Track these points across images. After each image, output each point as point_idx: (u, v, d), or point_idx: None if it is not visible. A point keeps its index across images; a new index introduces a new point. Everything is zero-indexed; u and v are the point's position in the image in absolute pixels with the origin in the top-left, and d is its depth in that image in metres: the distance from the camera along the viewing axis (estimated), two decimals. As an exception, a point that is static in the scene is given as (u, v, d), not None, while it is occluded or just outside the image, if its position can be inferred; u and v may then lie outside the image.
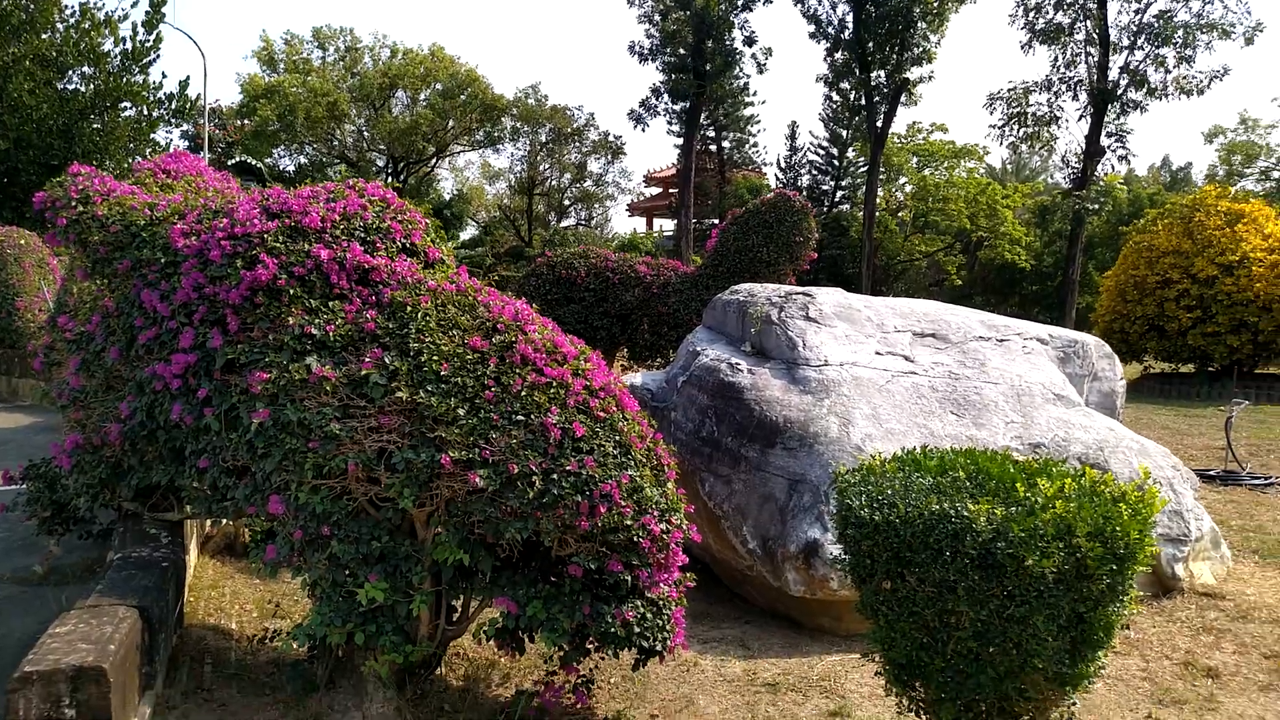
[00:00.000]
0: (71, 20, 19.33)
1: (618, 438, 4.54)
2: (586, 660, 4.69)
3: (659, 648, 4.53)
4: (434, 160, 49.83)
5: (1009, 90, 36.01)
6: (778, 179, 48.84)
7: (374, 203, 5.28)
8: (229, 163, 36.11)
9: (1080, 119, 34.44)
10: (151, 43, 20.21)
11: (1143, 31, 32.61)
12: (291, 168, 45.70)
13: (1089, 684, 3.72)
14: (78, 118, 19.41)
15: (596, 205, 55.08)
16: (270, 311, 4.66)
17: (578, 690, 4.68)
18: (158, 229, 5.27)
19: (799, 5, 37.48)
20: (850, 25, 36.53)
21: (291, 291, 4.70)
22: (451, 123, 46.50)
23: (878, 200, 38.56)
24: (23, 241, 16.32)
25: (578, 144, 50.18)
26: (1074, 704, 3.74)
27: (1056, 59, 34.72)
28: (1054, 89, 35.14)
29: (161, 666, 4.55)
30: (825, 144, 47.77)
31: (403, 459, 4.27)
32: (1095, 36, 33.41)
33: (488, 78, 45.74)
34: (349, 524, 4.46)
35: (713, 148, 48.08)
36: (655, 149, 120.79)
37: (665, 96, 40.36)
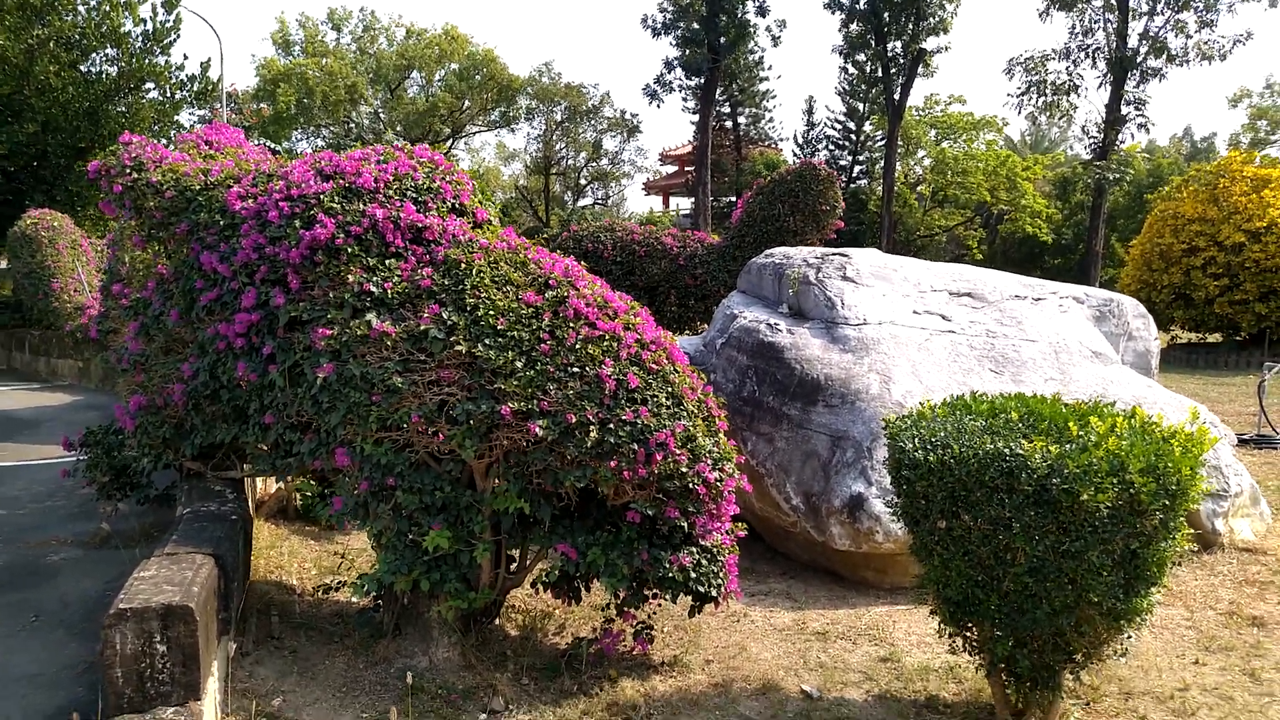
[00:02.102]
0: (92, 2, 19.44)
1: (670, 389, 4.64)
2: (643, 608, 4.82)
3: (714, 594, 4.66)
4: (450, 141, 49.88)
5: (1027, 57, 35.68)
6: (795, 154, 48.62)
7: (423, 164, 5.39)
8: (179, 134, 36.20)
9: (1100, 87, 34.21)
10: (172, 23, 20.30)
11: (1160, -4, 32.21)
12: (309, 150, 45.90)
13: (1142, 620, 3.80)
14: (103, 100, 19.55)
15: (613, 184, 55.03)
16: (330, 270, 4.78)
17: (638, 637, 4.82)
18: (213, 193, 5.39)
19: (815, -23, 37.16)
20: (865, -4, 36.24)
21: (350, 250, 4.82)
22: (467, 103, 46.55)
23: (896, 174, 38.38)
24: (56, 224, 16.53)
25: (593, 122, 50.12)
26: (1129, 637, 3.83)
27: (1074, 26, 34.39)
28: (1072, 57, 34.81)
29: (235, 613, 4.71)
30: (842, 118, 47.50)
31: (463, 410, 4.39)
32: (1114, 2, 33.03)
33: (503, 58, 45.65)
34: (412, 475, 4.59)
35: (728, 124, 47.89)
36: (671, 127, 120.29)
37: (679, 71, 40.18)
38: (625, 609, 4.80)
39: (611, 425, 4.40)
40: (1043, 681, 3.86)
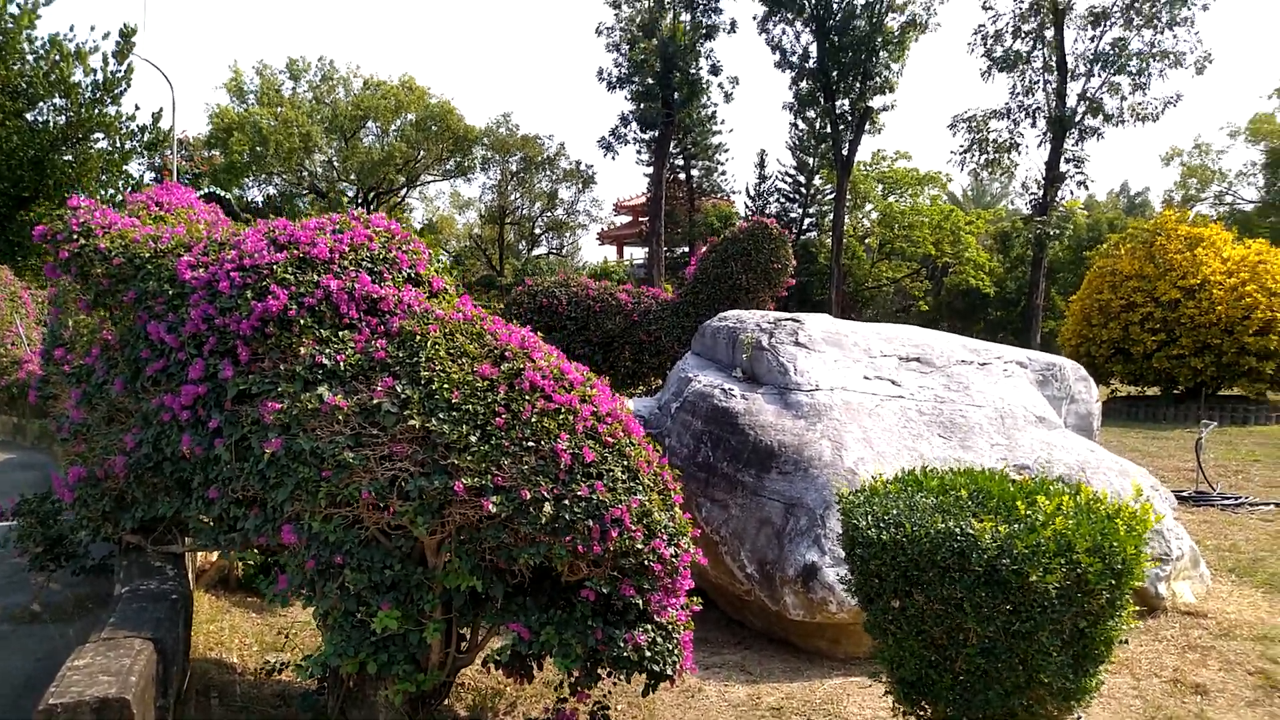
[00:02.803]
0: (41, 51, 19.22)
1: (626, 463, 4.63)
2: (598, 686, 4.75)
3: (669, 672, 4.60)
4: (405, 190, 49.92)
5: (970, 115, 36.91)
6: (747, 207, 49.46)
7: (379, 233, 5.37)
8: (197, 194, 35.85)
9: (1040, 145, 35.42)
10: (123, 74, 20.14)
11: (1099, 59, 33.65)
12: (260, 198, 45.51)
13: (1090, 698, 3.85)
14: (49, 149, 19.27)
15: (567, 233, 55.42)
16: (281, 342, 4.72)
17: (594, 718, 4.73)
18: (163, 261, 5.30)
19: (764, 35, 38.31)
20: (814, 54, 37.35)
21: (302, 322, 4.76)
22: (423, 153, 46.70)
23: (845, 227, 39.21)
24: (-8, 275, 16.12)
25: (549, 172, 50.59)
26: (1078, 717, 3.87)
27: (1015, 86, 35.76)
28: (1013, 116, 36.15)
29: (173, 699, 4.54)
30: (792, 172, 48.53)
31: (416, 486, 4.32)
32: (1053, 64, 34.42)
33: (460, 109, 45.96)
34: (361, 552, 4.49)
35: (682, 176, 48.63)
36: (625, 178, 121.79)
37: (634, 125, 40.96)
38: (578, 688, 4.72)
39: (566, 501, 4.37)
40: (997, 761, 3.86)
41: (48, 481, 10.15)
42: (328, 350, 4.69)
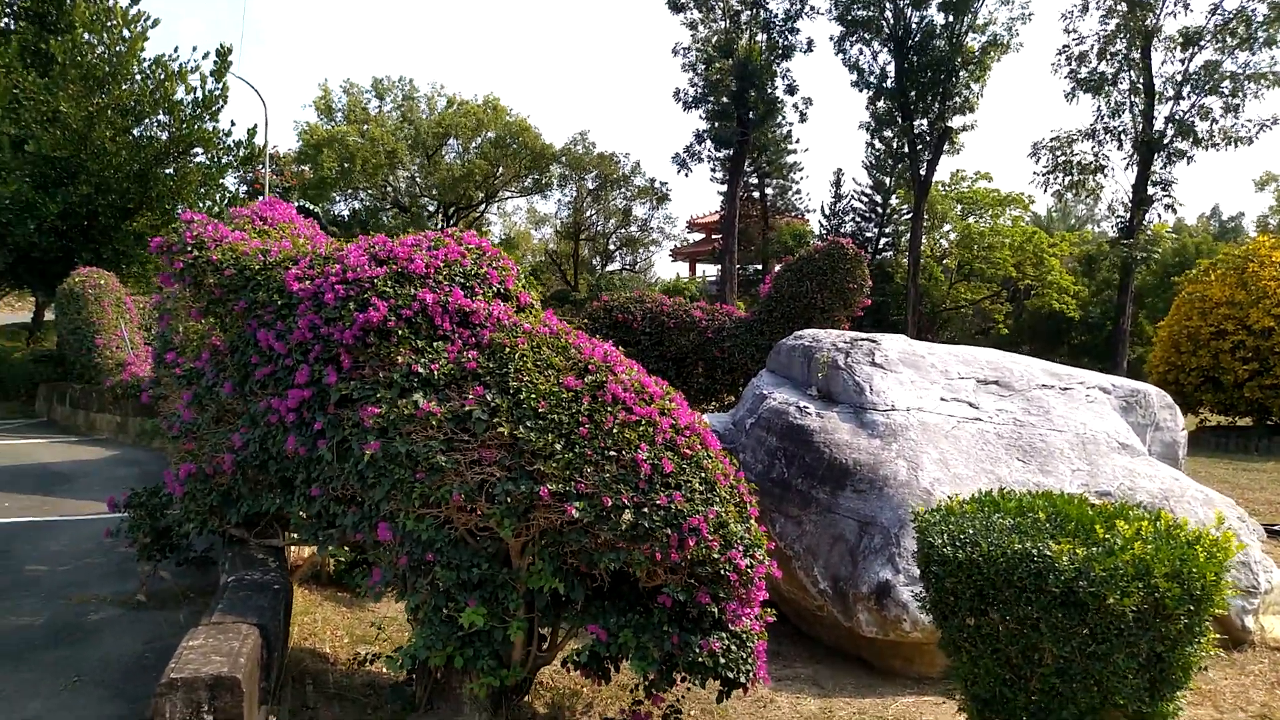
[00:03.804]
0: (148, 71, 20.29)
1: (703, 474, 4.78)
2: (672, 691, 4.89)
3: (743, 679, 4.72)
4: (483, 206, 50.96)
5: (1053, 139, 36.17)
6: (821, 225, 49.22)
7: (471, 250, 5.64)
8: (233, 209, 37.25)
9: (1126, 168, 34.51)
10: (219, 91, 21.10)
11: (1188, 82, 32.69)
12: (346, 213, 47.07)
13: (1168, 723, 3.84)
14: (152, 163, 20.29)
15: (641, 250, 55.88)
16: (381, 351, 5.00)
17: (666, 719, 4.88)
18: (272, 273, 5.65)
19: (840, 55, 38.18)
20: (892, 74, 37.10)
21: (400, 332, 5.04)
22: (501, 170, 47.68)
23: (922, 248, 38.73)
24: (102, 282, 17.07)
25: (623, 189, 51.15)
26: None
27: (1100, 108, 34.97)
28: (1098, 138, 35.30)
29: (274, 682, 4.83)
30: (868, 191, 48.16)
31: (503, 490, 4.54)
32: (1140, 86, 33.55)
33: (537, 126, 46.94)
34: (451, 551, 4.73)
35: (756, 194, 48.67)
36: (698, 196, 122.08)
37: (709, 143, 41.16)
38: (653, 691, 4.87)
39: (646, 509, 4.53)
40: (1070, 782, 3.88)
41: (151, 477, 10.72)
42: (423, 360, 4.96)
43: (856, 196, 48.88)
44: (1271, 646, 6.65)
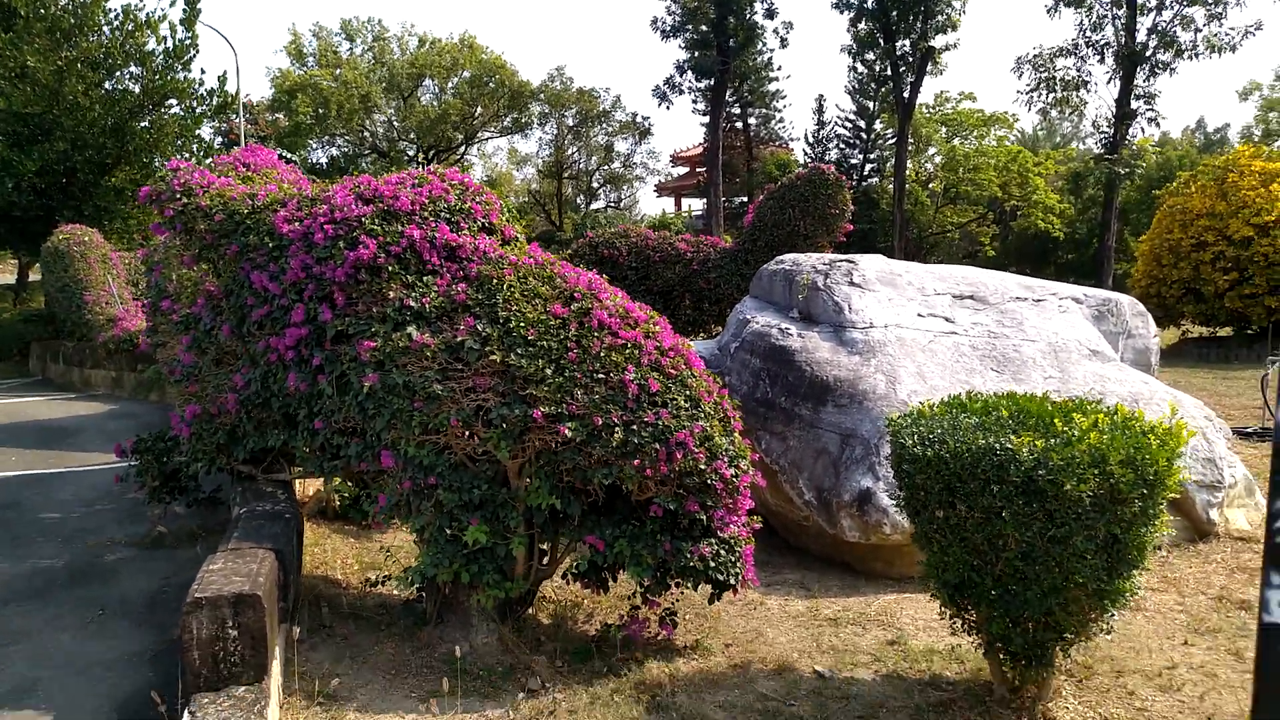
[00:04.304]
0: (115, 22, 19.95)
1: (688, 392, 5.01)
2: (666, 596, 5.19)
3: (733, 581, 5.02)
4: (463, 148, 50.43)
5: (1034, 55, 35.88)
6: (805, 154, 48.91)
7: (455, 186, 5.78)
8: (214, 158, 36.82)
9: (1109, 82, 34.30)
10: (190, 40, 20.77)
11: (1168, -10, 32.33)
12: (325, 160, 46.52)
13: (1126, 600, 4.14)
14: (127, 117, 20.09)
15: (625, 187, 55.56)
16: (372, 287, 5.17)
17: (663, 623, 5.20)
18: (261, 216, 5.79)
19: (822, -23, 37.45)
20: (872, -5, 36.52)
21: (390, 269, 5.21)
22: (480, 110, 47.09)
23: (907, 172, 38.63)
24: (86, 239, 17.04)
25: (605, 125, 50.66)
26: (1113, 616, 4.16)
27: (1082, 22, 34.60)
28: (1081, 53, 35.02)
29: (291, 603, 5.11)
30: (852, 117, 47.79)
31: (498, 415, 4.77)
32: (1121, -2, 33.19)
33: (514, 64, 46.22)
34: (452, 475, 4.97)
35: (739, 125, 48.27)
36: (681, 129, 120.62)
37: (689, 74, 40.67)
38: (650, 597, 5.18)
39: (635, 426, 4.77)
40: (1036, 658, 4.20)
41: (149, 428, 10.98)
42: (414, 294, 5.14)
43: (840, 123, 48.52)
44: (1234, 537, 7.01)
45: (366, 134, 46.75)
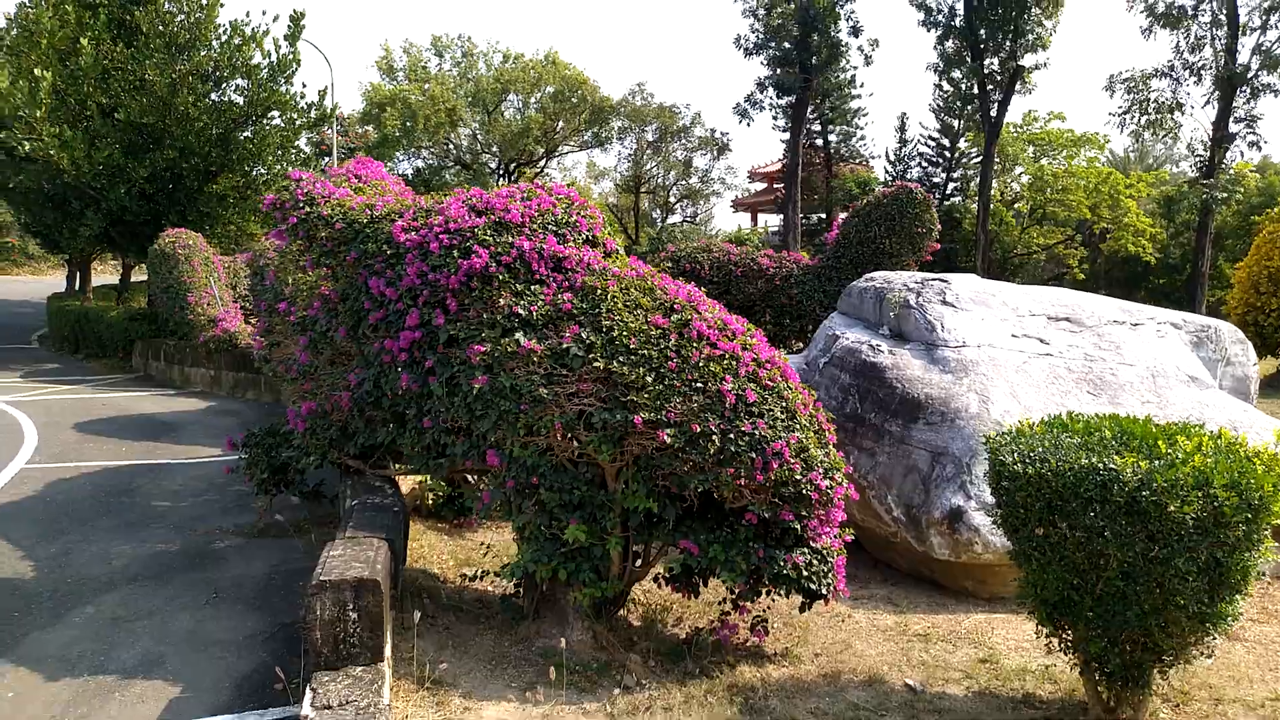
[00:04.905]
0: (224, 37, 20.94)
1: (784, 403, 5.14)
2: (756, 604, 5.31)
3: (824, 591, 5.12)
4: (543, 161, 51.25)
5: (1128, 76, 34.99)
6: (886, 172, 48.41)
7: (561, 200, 6.02)
8: (328, 169, 38.00)
9: (1206, 104, 33.23)
10: (293, 55, 21.64)
11: (1275, 10, 31.21)
12: (410, 171, 47.79)
13: (1227, 625, 4.11)
14: (232, 127, 21.01)
15: (702, 201, 55.66)
16: (483, 294, 5.43)
17: (754, 628, 5.32)
18: (379, 225, 6.11)
19: (908, -6, 37.14)
20: (961, 12, 36.06)
21: (500, 277, 5.46)
22: (561, 125, 47.82)
23: (992, 191, 37.94)
24: (191, 242, 17.88)
25: (684, 141, 50.90)
26: (1214, 640, 4.14)
27: (1179, 44, 33.62)
28: (1176, 75, 34.00)
29: (399, 590, 5.38)
30: (935, 135, 47.13)
31: (600, 419, 4.96)
32: (1222, 18, 32.15)
33: (596, 79, 46.88)
34: (553, 475, 5.18)
35: (818, 142, 48.00)
36: (759, 145, 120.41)
37: (770, 90, 40.63)
38: (740, 603, 5.30)
39: (732, 435, 4.91)
40: (1133, 680, 4.20)
41: (248, 425, 11.49)
42: (522, 302, 5.37)
43: (923, 141, 47.91)
44: (1342, 572, 6.79)
45: (450, 146, 47.87)
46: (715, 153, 51.50)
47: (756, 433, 4.92)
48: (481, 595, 6.10)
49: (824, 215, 47.71)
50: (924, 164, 47.90)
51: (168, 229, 18.73)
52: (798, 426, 5.08)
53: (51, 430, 12.07)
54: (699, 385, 5.04)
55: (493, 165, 49.20)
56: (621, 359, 5.08)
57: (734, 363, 5.15)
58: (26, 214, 22.56)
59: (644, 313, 5.33)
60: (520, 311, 5.33)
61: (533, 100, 47.55)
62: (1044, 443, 4.34)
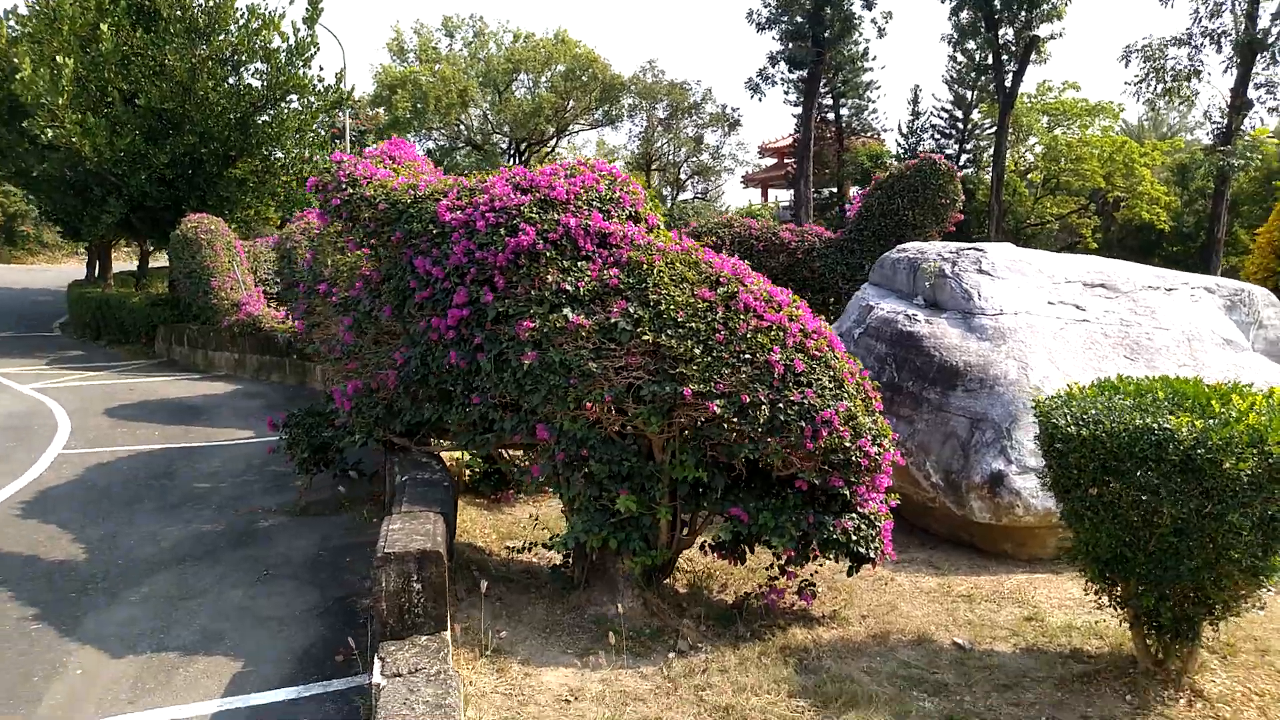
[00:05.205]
0: (241, 20, 20.93)
1: (831, 373, 5.20)
2: (804, 568, 5.40)
3: (872, 555, 5.20)
4: (554, 140, 51.14)
5: (1145, 44, 34.61)
6: (899, 145, 48.08)
7: (604, 177, 6.07)
8: (364, 149, 37.96)
9: (1225, 71, 32.84)
10: (311, 38, 21.62)
11: (1298, -26, 30.77)
12: (421, 153, 47.72)
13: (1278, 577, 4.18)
14: (251, 111, 21.03)
15: (713, 178, 55.50)
16: (531, 271, 5.50)
17: (801, 592, 5.42)
18: (423, 205, 6.16)
19: (922, -35, 36.74)
20: (976, -17, 35.70)
21: (547, 254, 5.52)
22: (572, 103, 47.66)
23: (1006, 162, 37.69)
24: (213, 227, 17.99)
25: (695, 117, 50.71)
26: (1266, 592, 4.21)
27: (1198, 10, 33.19)
28: (1194, 42, 33.62)
29: (452, 563, 5.50)
30: (949, 107, 46.72)
31: (650, 391, 5.04)
32: (1244, -19, 31.74)
33: (606, 57, 46.64)
34: (603, 448, 5.27)
35: (830, 115, 47.68)
36: (769, 120, 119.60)
37: (783, 65, 40.41)
38: (788, 568, 5.40)
39: (781, 405, 4.99)
40: (1183, 632, 4.28)
41: (275, 407, 11.60)
42: (569, 278, 5.44)
43: (935, 113, 47.47)
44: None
45: (461, 127, 47.81)
46: (726, 129, 51.31)
47: (805, 402, 4.99)
48: (528, 567, 6.21)
49: (835, 189, 47.49)
50: (937, 136, 47.51)
51: (188, 214, 18.84)
52: (845, 395, 5.15)
53: (83, 416, 12.24)
54: (747, 356, 5.10)
55: (504, 145, 49.12)
56: (670, 332, 5.15)
57: (781, 333, 5.21)
58: (47, 202, 22.67)
59: (690, 286, 5.39)
60: (568, 287, 5.40)
61: (543, 79, 47.39)
62: (1096, 405, 4.40)
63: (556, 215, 5.64)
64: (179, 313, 19.24)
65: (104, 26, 18.04)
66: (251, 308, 16.82)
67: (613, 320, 5.22)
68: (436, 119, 44.54)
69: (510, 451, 8.11)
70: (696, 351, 5.08)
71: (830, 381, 5.15)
